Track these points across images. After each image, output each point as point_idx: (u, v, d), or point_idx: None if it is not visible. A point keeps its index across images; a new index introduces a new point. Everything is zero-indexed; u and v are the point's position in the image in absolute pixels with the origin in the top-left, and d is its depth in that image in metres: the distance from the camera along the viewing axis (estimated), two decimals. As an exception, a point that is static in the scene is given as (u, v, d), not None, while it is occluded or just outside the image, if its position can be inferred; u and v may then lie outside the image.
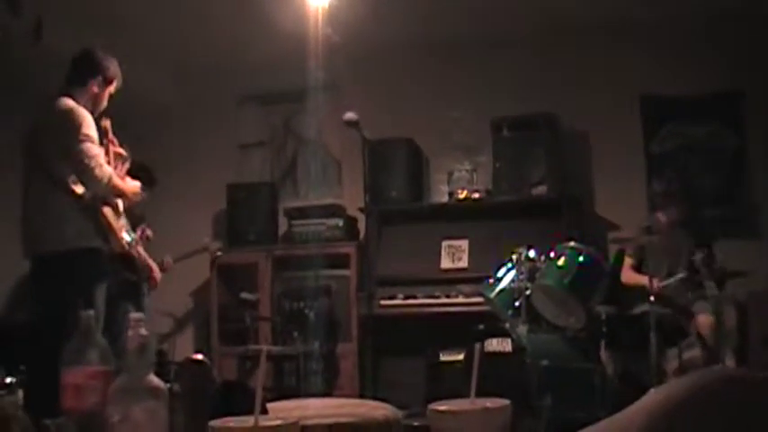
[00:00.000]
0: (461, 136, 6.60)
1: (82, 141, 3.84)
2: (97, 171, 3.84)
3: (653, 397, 0.74)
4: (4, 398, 1.46)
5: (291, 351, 6.02)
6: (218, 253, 6.44)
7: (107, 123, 4.39)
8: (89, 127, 3.90)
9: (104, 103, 4.17)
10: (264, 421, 0.99)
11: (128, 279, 5.38)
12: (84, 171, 3.84)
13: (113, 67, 4.17)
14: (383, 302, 5.89)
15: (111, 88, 4.17)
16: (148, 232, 5.66)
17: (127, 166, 4.33)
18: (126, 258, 5.26)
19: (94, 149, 3.87)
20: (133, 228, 5.44)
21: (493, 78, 6.57)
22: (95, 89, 4.09)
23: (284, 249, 6.55)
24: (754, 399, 0.67)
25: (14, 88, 5.79)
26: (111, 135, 4.31)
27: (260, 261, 6.53)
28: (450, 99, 6.60)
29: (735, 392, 0.68)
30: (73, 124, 3.86)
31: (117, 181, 3.98)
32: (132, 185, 4.18)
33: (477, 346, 1.23)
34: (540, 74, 6.47)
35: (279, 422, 1.01)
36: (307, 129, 7.07)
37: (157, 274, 5.49)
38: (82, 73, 4.09)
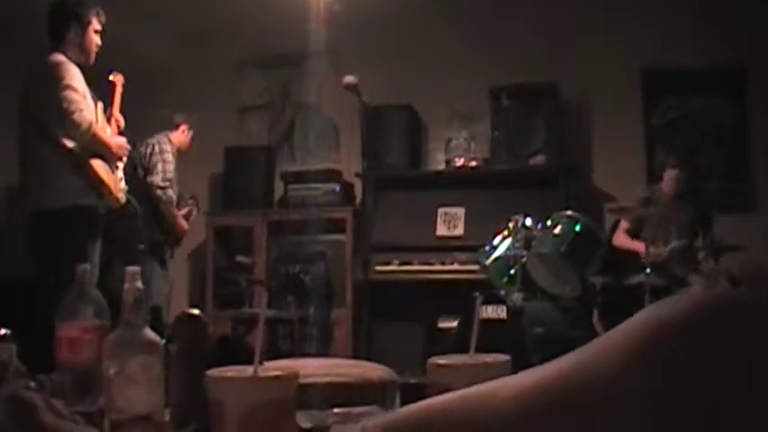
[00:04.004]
0: (460, 104, 6.57)
1: (63, 89, 3.82)
2: (76, 116, 3.81)
3: (640, 318, 0.63)
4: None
5: (286, 315, 6.03)
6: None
7: (118, 78, 4.36)
8: (73, 78, 3.88)
9: (93, 48, 4.11)
10: (264, 372, 0.99)
11: (156, 239, 5.49)
12: (64, 117, 3.82)
13: (85, 10, 4.09)
14: (378, 268, 5.87)
15: (94, 28, 4.11)
16: (194, 212, 5.91)
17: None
18: (157, 219, 5.45)
19: (75, 96, 3.84)
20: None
21: (494, 46, 6.52)
22: (75, 38, 4.04)
23: (280, 213, 6.54)
24: (763, 325, 0.57)
25: (13, 46, 5.75)
26: (118, 96, 4.29)
27: (256, 225, 6.52)
28: (450, 66, 6.55)
29: (741, 317, 0.57)
30: (57, 76, 3.84)
31: (98, 131, 3.95)
32: (117, 140, 4.15)
33: (478, 300, 1.22)
34: (542, 43, 6.42)
35: (278, 373, 1.00)
36: (305, 93, 7.03)
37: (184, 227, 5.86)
38: (58, 26, 4.05)
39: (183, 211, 5.88)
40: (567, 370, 0.63)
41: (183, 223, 5.82)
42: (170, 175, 5.71)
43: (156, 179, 5.64)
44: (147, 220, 5.29)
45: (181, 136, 6.04)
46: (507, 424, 0.63)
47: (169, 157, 5.78)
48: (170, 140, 5.90)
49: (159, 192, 5.63)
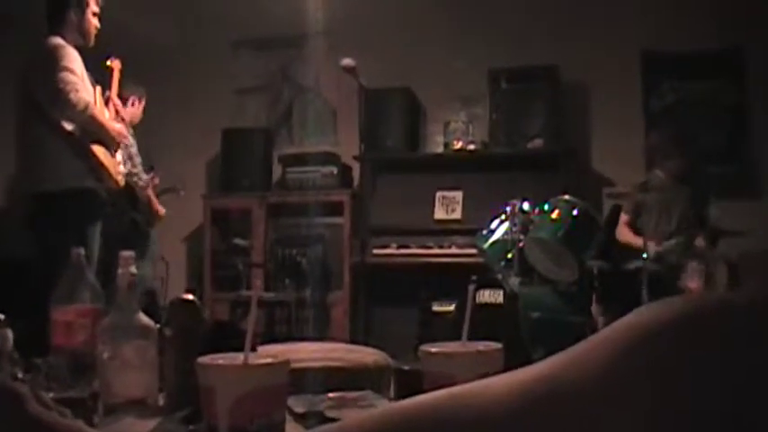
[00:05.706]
0: (459, 86, 6.55)
1: (60, 71, 3.81)
2: (72, 96, 3.79)
3: (625, 323, 0.62)
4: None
5: (283, 298, 6.03)
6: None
7: (116, 64, 4.36)
8: (71, 61, 3.87)
9: (92, 30, 4.10)
10: (255, 359, 0.99)
11: (135, 220, 5.41)
12: (60, 97, 3.80)
13: None
14: (376, 251, 5.88)
15: (92, 11, 4.09)
16: (156, 180, 5.68)
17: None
18: (133, 200, 5.33)
19: (72, 77, 3.83)
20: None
21: (492, 29, 6.50)
22: (74, 20, 4.03)
23: (278, 196, 6.53)
24: (759, 329, 0.55)
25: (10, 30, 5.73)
26: (116, 81, 4.29)
27: (253, 207, 6.51)
28: (449, 49, 6.53)
29: (728, 324, 0.56)
30: (55, 59, 3.83)
31: (96, 112, 3.94)
32: (116, 126, 4.14)
33: (471, 287, 1.22)
34: (541, 26, 6.40)
35: (269, 360, 1.00)
36: (304, 76, 7.01)
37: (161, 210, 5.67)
38: (56, 8, 4.04)
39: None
40: (552, 372, 0.63)
41: (161, 208, 5.69)
42: (138, 159, 5.50)
43: (127, 167, 5.40)
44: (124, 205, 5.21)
45: (132, 110, 5.67)
46: (494, 424, 0.63)
47: (128, 139, 5.59)
48: (122, 118, 5.67)
49: (135, 179, 5.46)
